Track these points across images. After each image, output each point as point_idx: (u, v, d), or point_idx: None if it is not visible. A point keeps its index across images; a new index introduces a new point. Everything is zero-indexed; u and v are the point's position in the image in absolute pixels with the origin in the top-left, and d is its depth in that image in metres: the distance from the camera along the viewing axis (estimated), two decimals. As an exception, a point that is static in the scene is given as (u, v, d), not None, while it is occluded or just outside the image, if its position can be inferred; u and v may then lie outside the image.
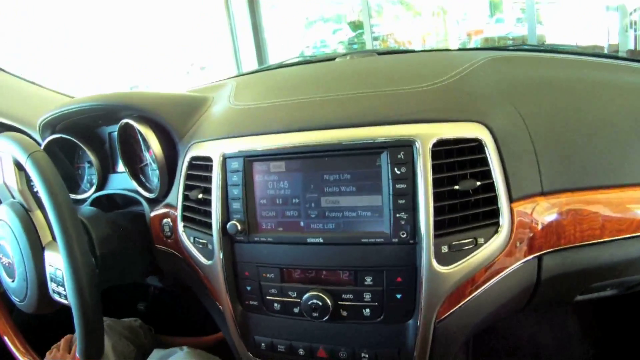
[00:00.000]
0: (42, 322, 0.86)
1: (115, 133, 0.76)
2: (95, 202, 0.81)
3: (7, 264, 0.63)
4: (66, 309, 0.57)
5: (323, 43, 4.87)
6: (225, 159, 0.53)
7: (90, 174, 0.87)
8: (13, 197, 0.63)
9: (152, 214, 0.69)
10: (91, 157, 0.82)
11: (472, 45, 4.06)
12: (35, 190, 0.59)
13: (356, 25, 4.58)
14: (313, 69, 0.82)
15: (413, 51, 0.94)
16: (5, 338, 0.75)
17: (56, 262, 0.57)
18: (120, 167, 0.82)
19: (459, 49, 1.22)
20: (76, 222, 0.52)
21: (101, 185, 0.83)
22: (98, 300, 0.54)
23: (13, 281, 0.63)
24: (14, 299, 0.64)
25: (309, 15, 4.87)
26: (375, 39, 4.27)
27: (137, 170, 0.76)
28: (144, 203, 0.72)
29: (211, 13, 4.94)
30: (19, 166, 0.60)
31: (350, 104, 0.51)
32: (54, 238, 0.59)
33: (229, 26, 4.79)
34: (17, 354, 0.74)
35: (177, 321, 1.06)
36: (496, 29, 3.96)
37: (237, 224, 0.51)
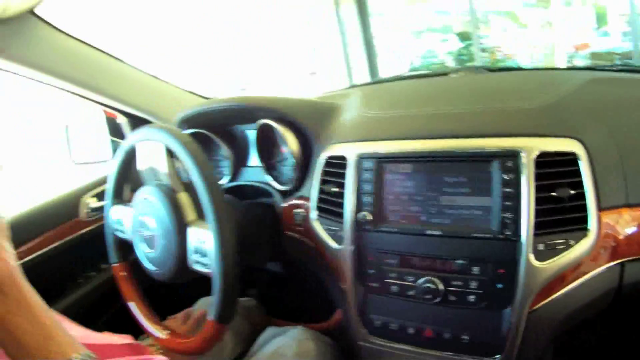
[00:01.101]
0: (160, 293, 1.32)
1: (248, 131, 1.21)
2: (226, 193, 1.27)
3: (147, 236, 1.03)
4: (190, 283, 0.98)
5: (431, 53, 6.22)
6: (360, 159, 0.91)
7: (222, 167, 1.34)
8: (158, 180, 1.07)
9: (284, 204, 1.10)
10: (226, 151, 1.29)
11: (578, 59, 5.09)
12: (179, 175, 1.04)
13: (464, 37, 5.80)
14: (430, 84, 1.21)
15: (520, 69, 1.27)
16: (132, 304, 1.21)
17: (201, 236, 0.93)
18: (252, 161, 1.28)
19: (563, 68, 1.65)
20: (224, 202, 0.93)
21: (233, 177, 1.29)
22: (237, 272, 0.94)
23: (153, 252, 1.02)
24: (151, 267, 1.04)
25: (417, 24, 6.29)
26: (483, 50, 5.47)
27: (270, 166, 1.19)
28: (276, 194, 1.15)
29: (321, 19, 5.98)
30: (170, 153, 1.01)
31: (467, 118, 0.85)
32: (198, 216, 0.99)
33: (339, 32, 5.76)
34: (141, 318, 1.15)
35: (286, 309, 1.48)
36: (602, 42, 4.94)
37: (367, 214, 0.88)
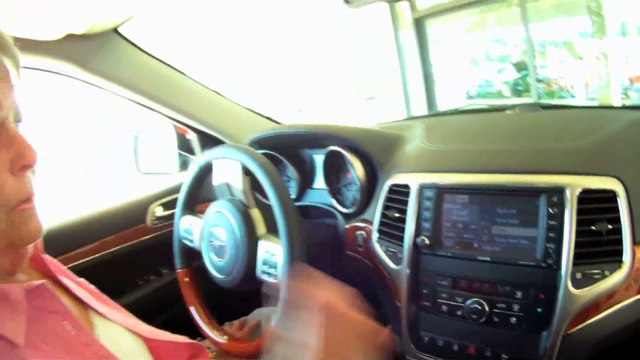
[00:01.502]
0: (217, 302, 1.51)
1: (316, 156, 1.48)
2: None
3: (218, 246, 1.29)
4: (245, 294, 1.22)
5: (488, 83, 7.10)
6: (421, 188, 1.15)
7: (289, 187, 1.60)
8: (231, 195, 1.33)
9: (347, 226, 1.35)
10: (293, 173, 1.56)
11: (632, 92, 5.74)
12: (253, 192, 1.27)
13: (520, 67, 6.57)
14: (487, 119, 1.49)
15: (572, 107, 1.50)
16: (192, 308, 1.43)
17: (272, 249, 1.18)
18: (317, 184, 1.54)
19: (614, 107, 2.09)
20: (297, 219, 1.18)
21: (298, 197, 1.56)
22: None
23: (221, 261, 1.28)
24: (218, 275, 1.29)
25: (474, 53, 7.15)
26: (539, 81, 6.15)
27: (335, 189, 1.45)
28: (339, 216, 1.40)
29: (379, 46, 6.71)
30: (246, 172, 1.26)
31: (519, 155, 1.09)
32: (268, 231, 1.24)
33: (397, 59, 6.51)
34: (201, 322, 1.39)
35: None
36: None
37: (425, 239, 1.11)
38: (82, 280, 0.86)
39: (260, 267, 1.19)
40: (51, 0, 1.18)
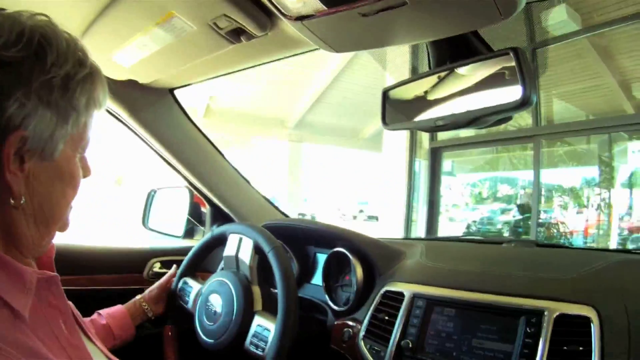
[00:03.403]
0: None
1: (319, 254, 1.78)
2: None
3: (212, 311, 1.52)
4: None
5: (490, 221, 8.30)
6: (414, 297, 1.41)
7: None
8: (237, 268, 1.60)
9: (336, 322, 1.61)
10: (295, 266, 1.84)
11: (630, 242, 6.67)
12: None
13: (524, 209, 7.59)
14: (483, 249, 1.81)
15: (563, 246, 1.85)
16: None
17: (265, 324, 1.42)
18: (315, 280, 1.82)
19: (601, 249, 2.49)
20: (296, 304, 1.43)
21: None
22: None
23: (213, 325, 1.51)
24: (205, 338, 1.51)
25: (483, 192, 8.54)
26: (540, 225, 6.79)
27: (331, 288, 1.73)
28: (329, 313, 1.67)
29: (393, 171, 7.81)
30: (257, 251, 1.55)
31: (506, 280, 1.35)
32: (263, 308, 1.50)
33: (406, 188, 7.47)
34: None
35: None
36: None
37: (410, 342, 1.36)
38: (70, 303, 0.96)
39: (249, 339, 1.44)
40: (135, 46, 1.47)
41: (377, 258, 1.65)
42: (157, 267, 2.00)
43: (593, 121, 7.09)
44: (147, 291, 1.69)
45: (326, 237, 1.80)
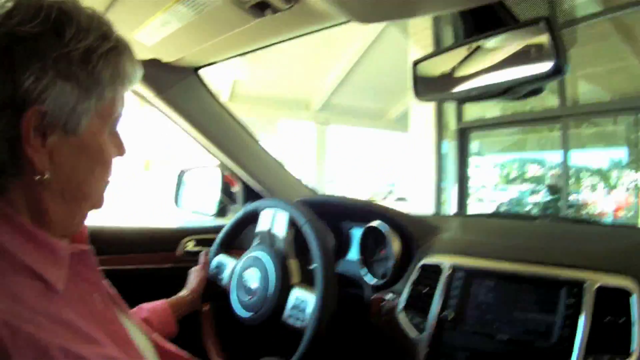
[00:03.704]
0: (235, 341, 1.73)
1: (353, 229, 1.78)
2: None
3: (249, 286, 1.54)
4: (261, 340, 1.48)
5: (519, 201, 8.39)
6: (453, 269, 1.41)
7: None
8: (271, 244, 1.60)
9: (374, 296, 1.62)
10: (331, 240, 1.85)
11: None
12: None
13: (553, 190, 7.78)
14: (517, 224, 1.81)
15: (598, 223, 1.84)
16: (207, 340, 1.64)
17: (304, 296, 1.43)
18: (350, 255, 1.83)
19: (634, 227, 2.64)
20: (334, 274, 1.44)
21: (331, 265, 1.83)
22: (324, 334, 1.43)
23: (250, 299, 1.52)
24: (242, 312, 1.53)
25: (511, 173, 8.67)
26: (569, 206, 6.90)
27: (367, 262, 1.73)
28: (366, 287, 1.67)
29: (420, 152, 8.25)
30: (292, 225, 1.55)
31: (545, 251, 1.36)
32: (301, 280, 1.50)
33: (435, 167, 7.99)
34: (212, 355, 1.60)
35: None
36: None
37: (450, 314, 1.37)
38: (105, 280, 0.98)
39: (287, 311, 1.46)
40: (157, 24, 1.47)
41: (414, 231, 1.65)
42: (190, 246, 2.03)
43: (619, 102, 7.02)
44: (188, 285, 1.70)
45: (361, 211, 1.81)
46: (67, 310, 0.72)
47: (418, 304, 1.47)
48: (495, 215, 2.04)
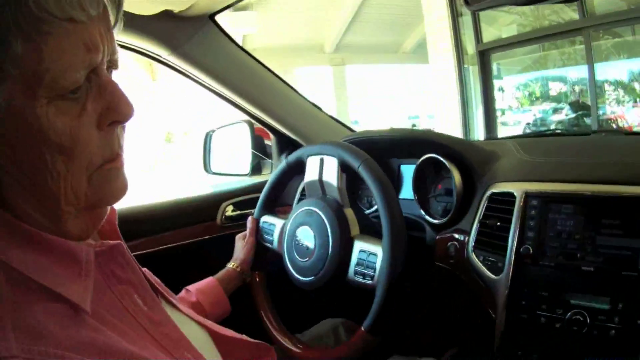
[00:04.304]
0: (287, 309, 1.68)
1: (403, 166, 1.67)
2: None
3: (304, 246, 1.43)
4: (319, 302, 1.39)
5: (543, 121, 8.40)
6: (527, 196, 1.31)
7: (370, 196, 1.79)
8: (323, 193, 1.47)
9: (438, 237, 1.52)
10: None
11: None
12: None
13: (576, 107, 7.75)
14: (575, 140, 1.75)
15: None
16: (263, 312, 1.58)
17: (370, 248, 1.31)
18: (403, 194, 1.73)
19: None
20: (402, 220, 1.36)
21: (382, 208, 1.74)
22: (397, 289, 1.34)
23: (307, 261, 1.40)
24: (301, 277, 1.42)
25: (534, 92, 8.71)
26: (599, 121, 6.99)
27: (425, 200, 1.63)
28: (428, 228, 1.58)
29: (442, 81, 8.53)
30: (344, 169, 1.41)
31: (619, 167, 1.26)
32: (361, 231, 1.39)
33: (458, 93, 8.26)
34: (271, 327, 1.54)
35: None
36: None
37: (529, 248, 1.27)
38: (145, 269, 0.87)
39: (352, 268, 1.35)
40: None
41: (474, 159, 1.53)
42: (229, 211, 1.94)
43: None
44: (235, 255, 1.61)
45: (412, 145, 1.69)
46: (102, 332, 0.61)
47: (491, 241, 1.38)
48: (546, 134, 1.89)
